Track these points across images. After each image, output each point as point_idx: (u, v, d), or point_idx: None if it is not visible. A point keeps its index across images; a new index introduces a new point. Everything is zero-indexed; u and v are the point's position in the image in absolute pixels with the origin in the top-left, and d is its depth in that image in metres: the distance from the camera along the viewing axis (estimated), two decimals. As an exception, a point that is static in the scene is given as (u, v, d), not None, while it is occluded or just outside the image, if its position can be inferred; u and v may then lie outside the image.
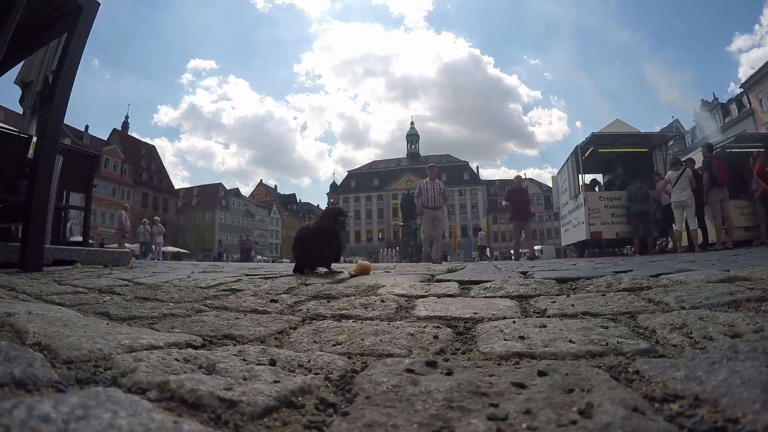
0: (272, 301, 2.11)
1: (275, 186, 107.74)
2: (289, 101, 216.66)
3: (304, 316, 1.77)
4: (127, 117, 72.90)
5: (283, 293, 2.38)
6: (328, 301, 2.08)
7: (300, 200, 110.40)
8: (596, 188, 13.93)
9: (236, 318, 1.66)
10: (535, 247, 13.36)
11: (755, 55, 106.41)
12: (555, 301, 1.90)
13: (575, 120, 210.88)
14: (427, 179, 10.28)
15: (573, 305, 1.78)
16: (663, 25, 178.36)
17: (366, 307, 1.89)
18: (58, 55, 4.06)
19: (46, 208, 3.64)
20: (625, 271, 2.86)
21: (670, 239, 11.99)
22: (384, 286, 2.53)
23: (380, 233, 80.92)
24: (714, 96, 48.33)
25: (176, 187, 79.15)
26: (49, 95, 3.81)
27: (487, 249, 27.37)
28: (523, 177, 12.44)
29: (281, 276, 3.34)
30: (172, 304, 2.02)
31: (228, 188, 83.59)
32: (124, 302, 2.03)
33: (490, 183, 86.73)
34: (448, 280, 2.75)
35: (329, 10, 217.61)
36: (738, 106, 43.13)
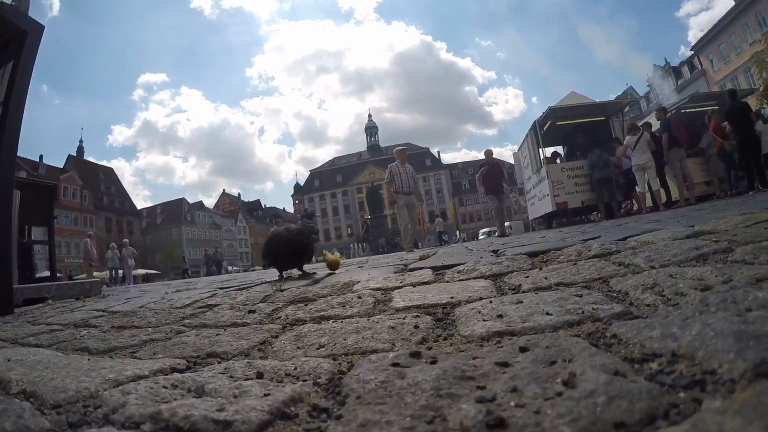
0: (250, 311, 2.08)
1: (239, 194, 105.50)
2: (244, 107, 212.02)
3: (284, 323, 1.74)
4: (81, 141, 70.51)
5: (260, 302, 2.35)
6: (306, 305, 2.06)
7: (265, 205, 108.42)
8: (558, 160, 14.18)
9: (217, 334, 1.63)
10: (505, 224, 13.22)
11: (704, 18, 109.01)
12: (528, 276, 1.92)
13: (531, 96, 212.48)
14: (397, 162, 9.60)
15: (546, 277, 1.80)
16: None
17: (344, 306, 1.88)
18: (5, 85, 3.90)
19: (9, 247, 3.50)
20: (593, 238, 2.92)
21: (634, 201, 12.30)
22: (359, 281, 2.52)
23: (349, 229, 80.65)
24: (666, 60, 49.88)
25: (138, 207, 77.00)
26: (-1, 128, 3.66)
27: (445, 235, 27.61)
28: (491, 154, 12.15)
29: (255, 285, 3.30)
30: (150, 329, 1.97)
31: (191, 202, 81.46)
32: (102, 334, 1.96)
33: (452, 166, 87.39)
34: (422, 268, 2.76)
35: (278, 10, 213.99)
36: (690, 68, 44.68)
